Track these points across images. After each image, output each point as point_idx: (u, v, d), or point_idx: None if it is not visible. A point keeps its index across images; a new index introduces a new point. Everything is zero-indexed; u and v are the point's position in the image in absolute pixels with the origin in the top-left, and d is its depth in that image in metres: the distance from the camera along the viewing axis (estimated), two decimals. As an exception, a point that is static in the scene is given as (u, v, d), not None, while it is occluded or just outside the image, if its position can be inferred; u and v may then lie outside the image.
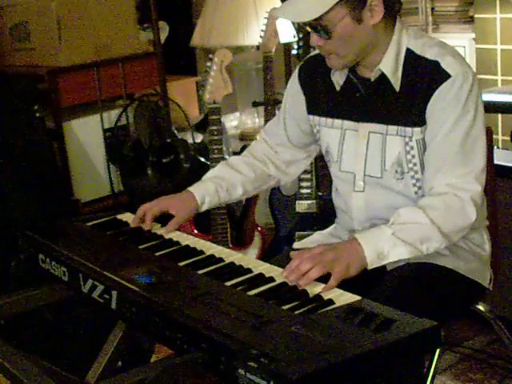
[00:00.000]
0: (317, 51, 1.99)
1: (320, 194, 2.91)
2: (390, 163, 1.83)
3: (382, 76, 1.80)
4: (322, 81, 1.94)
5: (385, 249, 1.68)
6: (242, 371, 1.23)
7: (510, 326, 2.15)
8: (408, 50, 1.79)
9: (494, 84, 3.49)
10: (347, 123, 1.89)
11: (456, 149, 1.75)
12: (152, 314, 1.48)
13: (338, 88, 1.90)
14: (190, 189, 2.00)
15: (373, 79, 1.82)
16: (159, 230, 1.92)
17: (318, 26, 1.73)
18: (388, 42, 1.79)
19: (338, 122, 1.92)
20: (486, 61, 3.54)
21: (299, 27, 3.22)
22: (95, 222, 2.02)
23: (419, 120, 1.76)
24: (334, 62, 1.81)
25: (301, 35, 2.95)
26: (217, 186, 2.00)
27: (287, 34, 3.64)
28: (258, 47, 3.40)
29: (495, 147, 2.54)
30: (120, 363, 1.83)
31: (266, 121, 3.34)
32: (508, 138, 2.87)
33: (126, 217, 2.04)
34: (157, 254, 1.77)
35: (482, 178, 1.78)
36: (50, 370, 1.67)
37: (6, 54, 3.61)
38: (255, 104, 3.68)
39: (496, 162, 2.23)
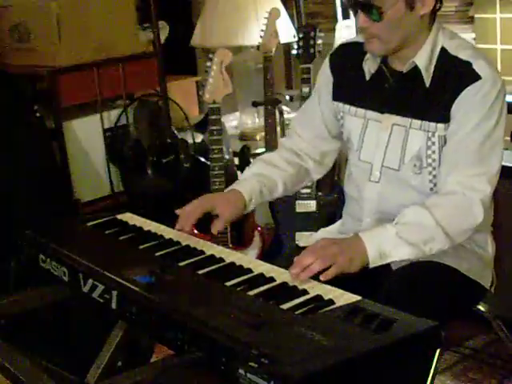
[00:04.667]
0: (347, 40, 2.03)
1: (320, 193, 2.91)
2: (410, 157, 1.83)
3: (414, 70, 1.81)
4: (352, 68, 1.94)
5: (387, 248, 1.68)
6: (242, 371, 1.23)
7: (510, 326, 2.15)
8: (442, 48, 1.81)
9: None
10: (371, 113, 1.90)
11: (474, 149, 1.76)
12: (152, 314, 1.48)
13: (367, 77, 1.90)
14: (237, 188, 1.91)
15: (406, 70, 1.83)
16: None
17: (372, 5, 1.72)
18: (425, 37, 1.81)
19: (361, 111, 1.92)
20: (486, 61, 3.53)
21: (299, 27, 3.22)
22: (95, 222, 2.02)
23: (444, 116, 1.78)
24: (375, 46, 1.80)
25: (301, 35, 2.95)
26: (260, 184, 1.93)
27: (287, 34, 3.64)
28: (258, 47, 3.39)
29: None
30: (120, 363, 1.83)
31: (266, 121, 3.34)
32: (508, 138, 2.87)
33: (126, 217, 2.04)
34: (157, 254, 1.77)
35: (494, 181, 1.79)
36: (50, 370, 1.66)
37: (6, 54, 3.61)
38: (255, 104, 3.67)
39: (502, 159, 2.23)
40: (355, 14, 1.79)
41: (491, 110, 1.75)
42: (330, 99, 2.00)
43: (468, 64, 1.76)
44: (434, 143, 1.80)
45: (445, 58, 1.80)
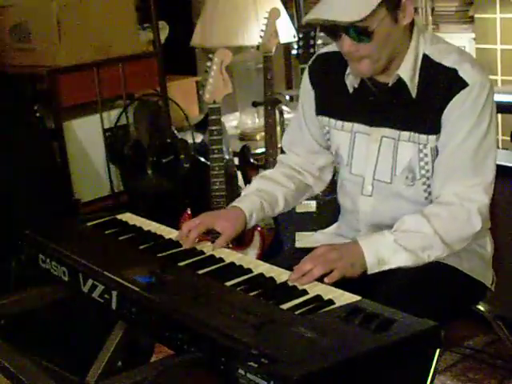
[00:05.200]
0: (325, 49, 1.97)
1: (320, 194, 2.90)
2: (401, 169, 1.82)
3: (399, 81, 1.77)
4: (333, 81, 1.90)
5: (385, 255, 1.69)
6: (242, 371, 1.23)
7: (510, 326, 2.15)
8: (425, 55, 1.77)
9: (493, 84, 3.48)
10: (358, 126, 1.87)
11: (468, 158, 1.74)
12: (152, 314, 1.48)
13: (350, 90, 1.86)
14: (237, 204, 1.90)
15: (391, 83, 1.79)
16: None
17: (358, 27, 1.66)
18: (407, 46, 1.76)
19: (348, 124, 1.89)
20: (486, 61, 3.53)
21: (299, 27, 3.22)
22: (95, 222, 2.02)
23: (435, 127, 1.75)
24: (366, 67, 1.74)
25: (301, 35, 2.95)
26: (261, 200, 1.91)
27: (287, 33, 3.64)
28: (258, 47, 3.39)
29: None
30: (120, 363, 1.83)
31: (266, 121, 3.34)
32: (508, 138, 2.87)
33: (126, 217, 2.04)
34: (157, 254, 1.77)
35: (490, 190, 1.78)
36: (50, 369, 1.66)
37: (6, 53, 3.61)
38: (255, 104, 3.68)
39: (496, 162, 2.22)
40: (336, 38, 1.72)
41: (481, 116, 1.73)
42: (313, 114, 1.97)
43: (453, 71, 1.73)
44: (426, 155, 1.78)
45: (429, 66, 1.76)
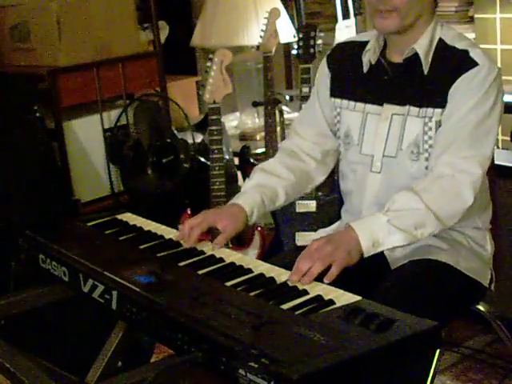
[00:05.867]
0: (344, 40, 2.05)
1: (320, 193, 2.91)
2: (407, 143, 1.84)
3: (413, 58, 1.83)
4: (350, 64, 1.96)
5: (379, 236, 1.68)
6: (242, 371, 1.23)
7: (510, 326, 2.15)
8: (440, 39, 1.84)
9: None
10: (369, 107, 1.90)
11: (468, 132, 1.76)
12: (152, 314, 1.48)
13: (365, 69, 1.91)
14: (237, 201, 1.90)
15: (404, 57, 1.84)
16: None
17: None
18: (426, 26, 1.84)
19: (360, 105, 1.93)
20: (486, 61, 3.53)
21: (299, 27, 3.22)
22: (95, 222, 2.02)
23: (441, 102, 1.79)
24: (392, 21, 1.79)
25: (301, 35, 2.95)
26: (262, 196, 1.91)
27: (287, 33, 3.64)
28: (258, 47, 3.39)
29: (495, 147, 2.54)
30: (120, 363, 1.83)
31: (266, 121, 3.34)
32: (508, 138, 2.87)
33: (126, 217, 2.04)
34: (157, 254, 1.77)
35: (485, 164, 1.79)
36: (50, 369, 1.66)
37: (6, 54, 3.61)
38: (255, 104, 3.68)
39: (496, 162, 2.23)
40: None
41: (487, 96, 1.76)
42: (328, 96, 2.00)
43: (465, 52, 1.79)
44: (430, 128, 1.81)
45: (443, 48, 1.83)
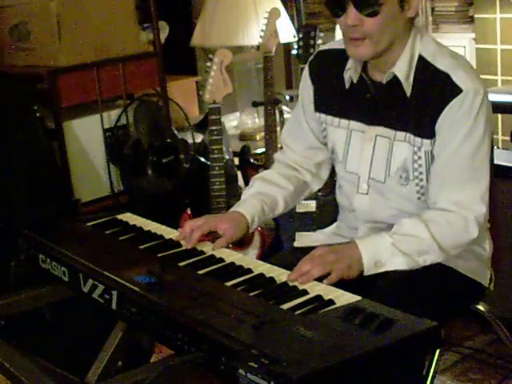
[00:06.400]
0: (326, 46, 1.99)
1: (320, 193, 2.91)
2: (395, 168, 1.82)
3: (394, 80, 1.78)
4: (332, 77, 1.91)
5: (383, 257, 1.70)
6: (242, 371, 1.23)
7: (510, 326, 2.15)
8: (420, 56, 1.77)
9: (493, 84, 3.48)
10: (354, 124, 1.88)
11: (464, 166, 1.74)
12: (152, 314, 1.48)
13: (347, 85, 1.86)
14: (238, 209, 1.90)
15: (385, 81, 1.79)
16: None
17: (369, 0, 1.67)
18: (404, 44, 1.77)
19: (344, 122, 1.90)
20: (486, 61, 3.53)
21: (299, 27, 3.22)
22: (95, 222, 2.02)
23: (429, 132, 1.75)
24: (365, 48, 1.73)
25: (301, 35, 2.95)
26: (262, 204, 1.91)
27: (287, 33, 3.64)
28: (258, 47, 3.39)
29: (495, 147, 2.54)
30: (120, 363, 1.83)
31: (266, 121, 3.34)
32: (508, 138, 2.87)
33: (126, 217, 2.04)
34: (157, 254, 1.77)
35: (487, 197, 1.78)
36: (50, 369, 1.66)
37: (6, 54, 3.61)
38: (255, 104, 3.68)
39: (496, 162, 2.22)
40: (341, 11, 1.72)
41: (476, 122, 1.72)
42: (312, 109, 1.97)
43: (447, 76, 1.72)
44: (420, 157, 1.78)
45: (424, 67, 1.76)
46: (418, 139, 1.77)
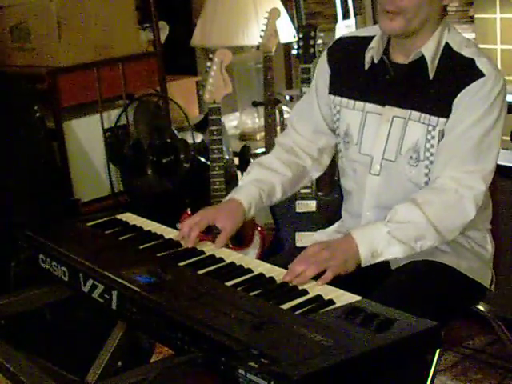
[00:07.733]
0: (347, 34, 2.03)
1: (320, 193, 2.91)
2: (406, 148, 1.83)
3: (418, 62, 1.81)
4: (351, 60, 1.93)
5: (379, 247, 1.69)
6: (242, 371, 1.23)
7: (510, 326, 2.15)
8: (447, 44, 1.81)
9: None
10: (369, 106, 1.89)
11: (472, 145, 1.75)
12: (152, 314, 1.48)
13: (367, 66, 1.88)
14: (235, 196, 1.90)
15: (410, 61, 1.82)
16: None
17: None
18: (433, 30, 1.81)
19: (360, 104, 1.91)
20: (486, 61, 3.53)
21: (299, 27, 3.22)
22: (95, 222, 2.02)
23: (446, 111, 1.77)
24: (398, 23, 1.76)
25: (301, 35, 2.95)
26: (259, 190, 1.92)
27: (287, 33, 3.64)
28: (258, 47, 3.39)
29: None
30: (120, 363, 1.83)
31: (266, 121, 3.34)
32: (508, 138, 2.87)
33: (126, 217, 2.04)
34: (157, 254, 1.77)
35: (489, 178, 1.78)
36: (50, 369, 1.66)
37: (6, 54, 3.61)
38: (255, 104, 3.68)
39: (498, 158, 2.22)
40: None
41: (492, 108, 1.75)
42: (326, 92, 1.99)
43: (471, 61, 1.77)
44: (433, 137, 1.79)
45: (448, 54, 1.80)
46: (434, 118, 1.78)
